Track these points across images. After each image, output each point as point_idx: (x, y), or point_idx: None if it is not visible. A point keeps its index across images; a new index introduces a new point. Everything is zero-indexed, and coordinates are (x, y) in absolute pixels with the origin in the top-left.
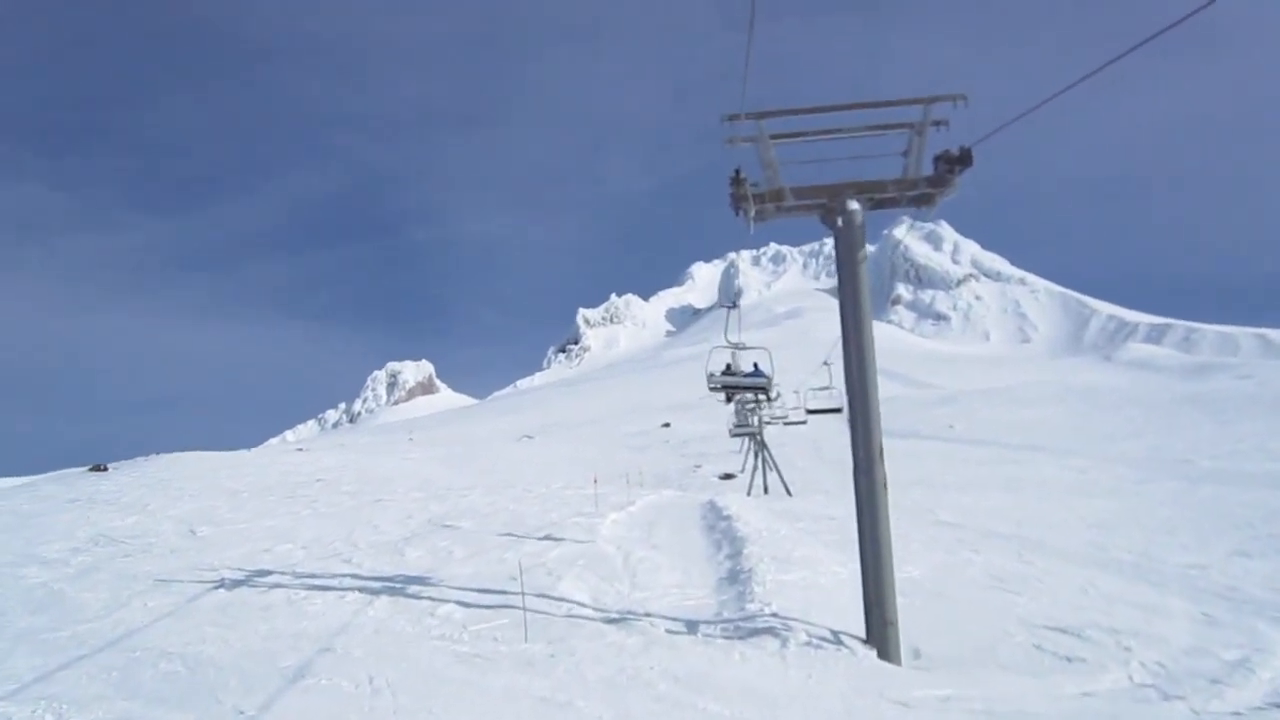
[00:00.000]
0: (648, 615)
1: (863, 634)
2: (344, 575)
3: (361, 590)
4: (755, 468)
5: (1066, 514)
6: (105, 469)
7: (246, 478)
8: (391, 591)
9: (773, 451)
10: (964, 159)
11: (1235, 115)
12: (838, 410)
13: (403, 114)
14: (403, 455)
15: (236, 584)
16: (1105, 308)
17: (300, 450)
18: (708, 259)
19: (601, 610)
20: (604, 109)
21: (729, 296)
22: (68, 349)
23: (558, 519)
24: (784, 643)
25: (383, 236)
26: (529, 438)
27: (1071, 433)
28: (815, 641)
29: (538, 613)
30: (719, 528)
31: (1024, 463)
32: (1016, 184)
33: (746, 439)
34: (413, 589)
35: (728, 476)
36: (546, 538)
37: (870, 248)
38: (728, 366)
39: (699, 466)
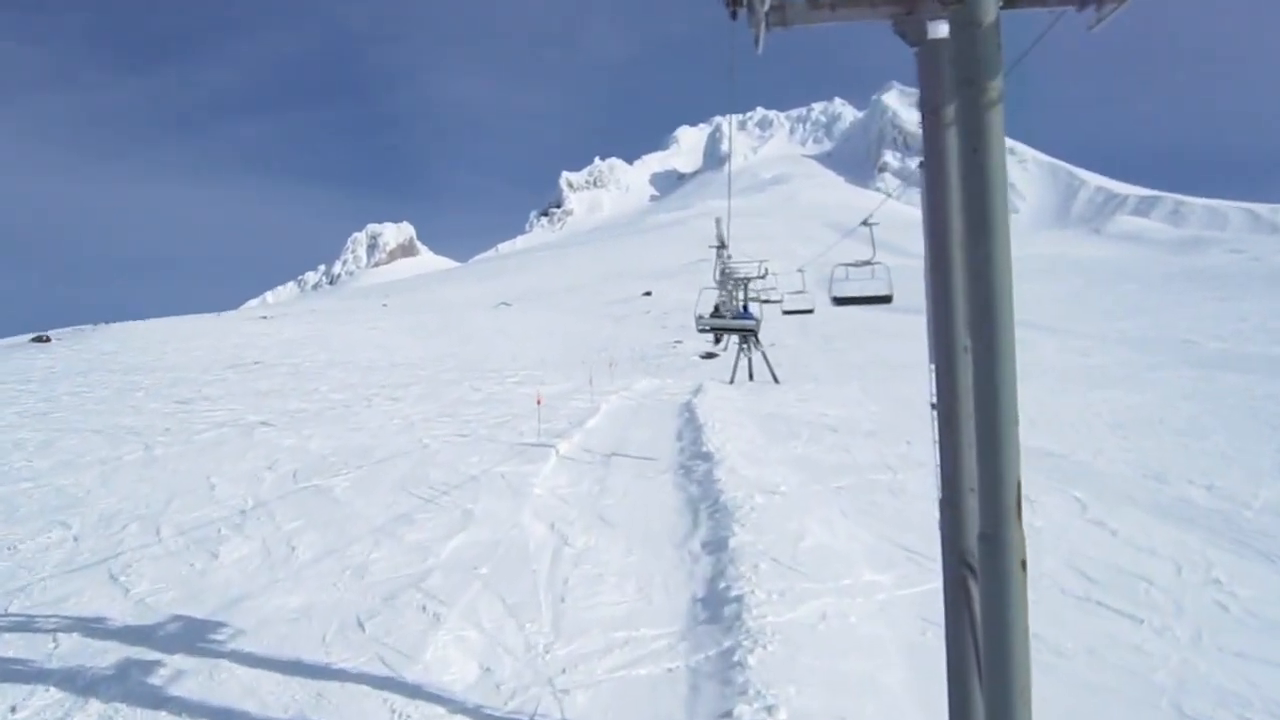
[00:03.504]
0: None
1: None
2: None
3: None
4: (740, 349)
5: (1084, 411)
6: (48, 339)
7: (191, 351)
8: (106, 681)
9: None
10: None
11: None
12: (810, 311)
13: None
14: (371, 324)
15: None
16: (1094, 179)
17: (265, 318)
18: (693, 123)
19: (487, 708)
20: None
21: (714, 161)
22: (43, 211)
23: (488, 455)
24: None
25: (363, 98)
26: (506, 305)
27: (1067, 310)
28: None
29: None
30: (697, 473)
31: (1023, 344)
32: (1007, 50)
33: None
34: (148, 665)
35: (709, 356)
36: (456, 509)
37: (858, 113)
38: (716, 308)
39: (679, 342)
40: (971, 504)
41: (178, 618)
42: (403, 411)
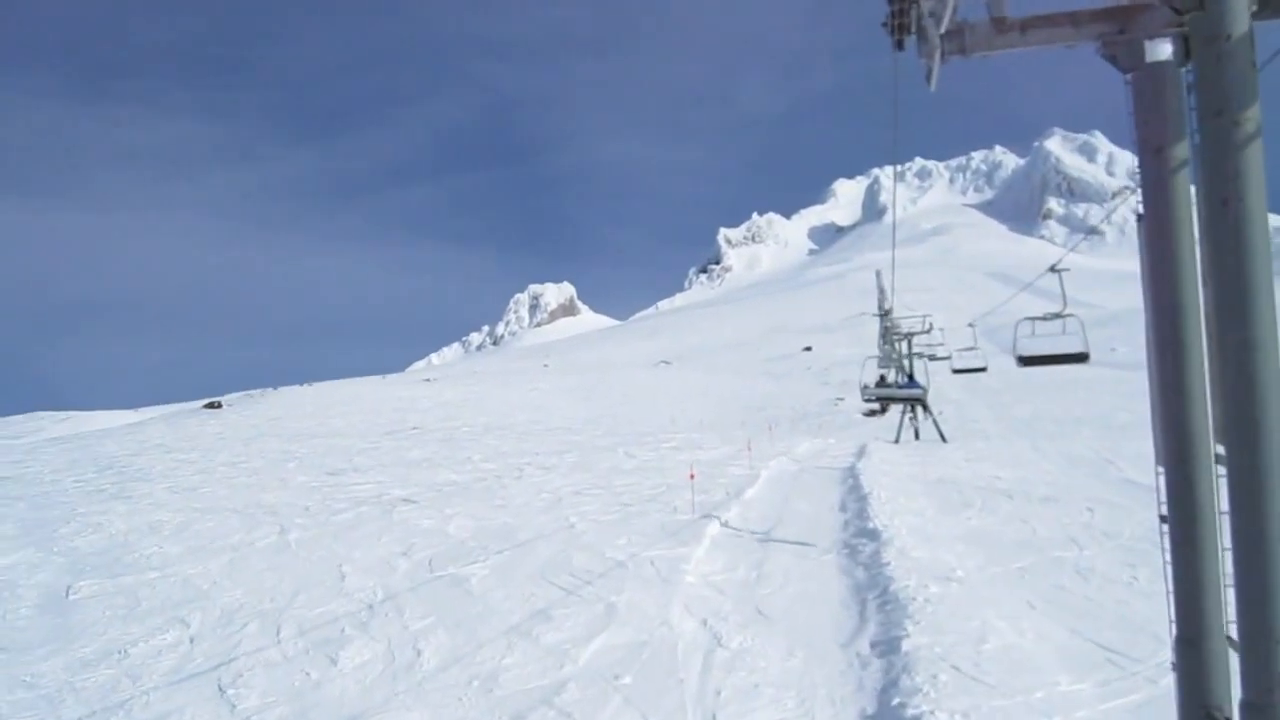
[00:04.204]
0: None
1: None
2: None
3: None
4: (904, 408)
5: None
6: (220, 405)
7: (352, 415)
8: None
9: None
10: None
11: None
12: (983, 369)
13: (538, 39)
14: (531, 385)
15: None
16: None
17: (428, 381)
18: (850, 175)
19: None
20: (738, 27)
21: (873, 213)
22: (223, 280)
23: (637, 536)
24: None
25: (521, 161)
26: (666, 363)
27: None
28: None
29: None
30: (863, 554)
31: None
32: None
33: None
34: None
35: (873, 413)
36: (599, 602)
37: (1019, 160)
38: (882, 378)
39: (841, 399)
40: (1219, 649)
41: None
42: (553, 484)
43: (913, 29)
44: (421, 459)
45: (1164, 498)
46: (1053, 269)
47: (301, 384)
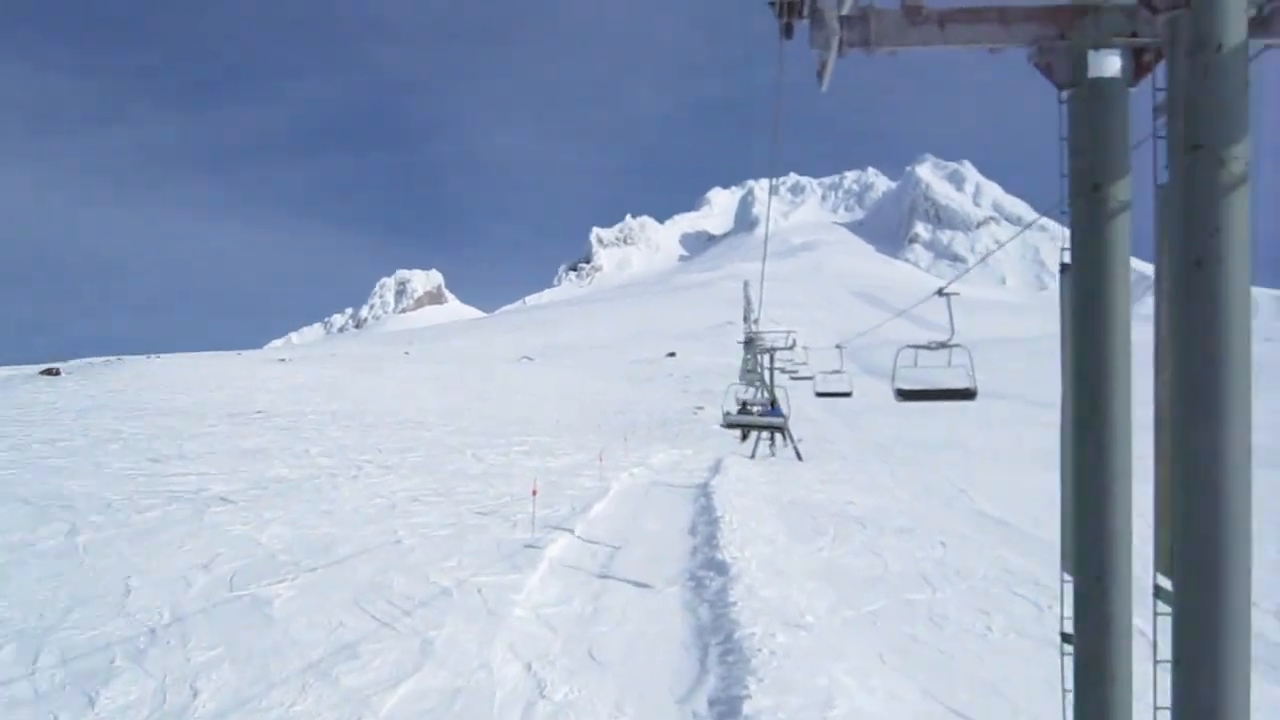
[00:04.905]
0: None
1: None
2: None
3: None
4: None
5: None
6: (58, 372)
7: (197, 393)
8: None
9: (777, 395)
10: None
11: None
12: (848, 394)
13: (429, 24)
14: (389, 373)
15: None
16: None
17: (283, 361)
18: (726, 185)
19: None
20: (630, 29)
21: (745, 224)
22: (82, 241)
23: (469, 557)
24: None
25: (400, 146)
26: (529, 359)
27: None
28: None
29: None
30: (709, 590)
31: (1054, 426)
32: (1046, 128)
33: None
34: None
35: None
36: (415, 638)
37: (891, 184)
38: (744, 405)
39: (701, 408)
40: None
41: None
42: (390, 487)
43: (805, 11)
44: (256, 449)
45: (1069, 611)
46: (940, 293)
47: (150, 355)
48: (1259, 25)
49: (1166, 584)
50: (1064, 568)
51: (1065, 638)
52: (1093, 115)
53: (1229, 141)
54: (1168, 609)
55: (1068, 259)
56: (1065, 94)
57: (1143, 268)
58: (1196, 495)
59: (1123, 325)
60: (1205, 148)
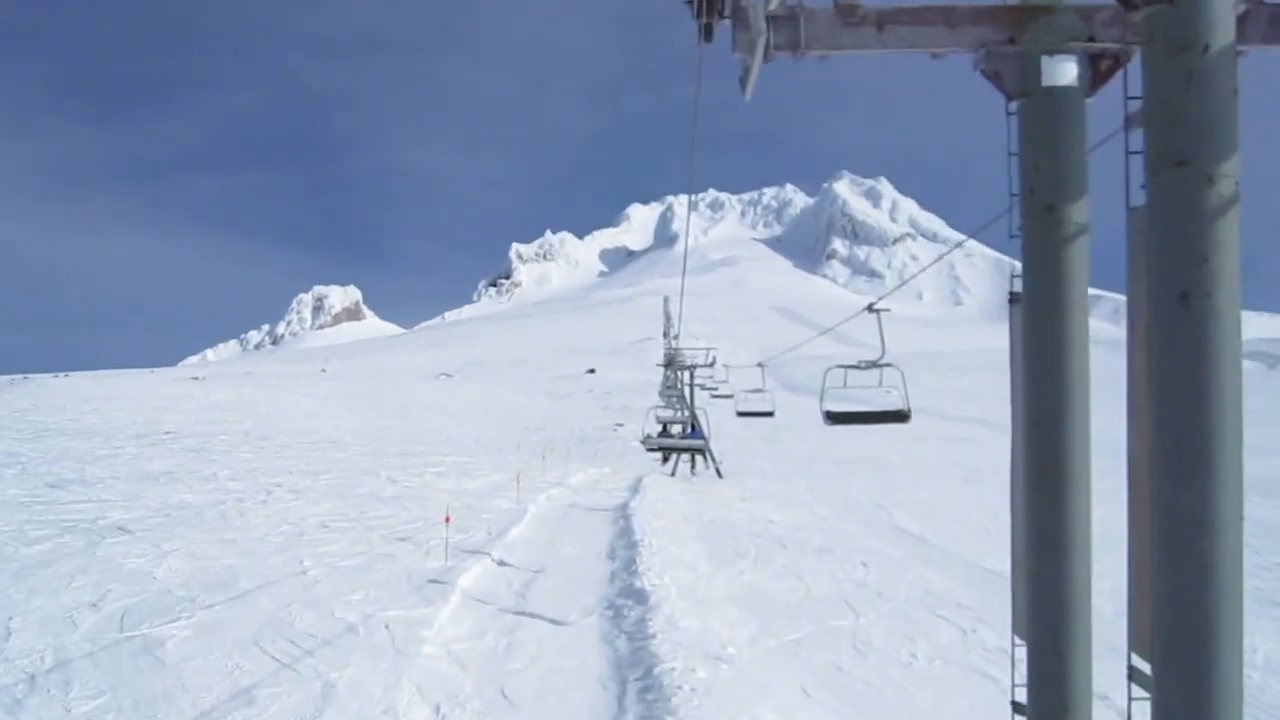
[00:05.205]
0: None
1: None
2: None
3: None
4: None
5: None
6: None
7: (107, 413)
8: None
9: (697, 415)
10: None
11: None
12: (770, 414)
13: (348, 38)
14: (305, 391)
15: None
16: None
17: (196, 379)
18: (645, 201)
19: None
20: (549, 45)
21: (664, 240)
22: None
23: (376, 590)
24: None
25: (318, 160)
26: (447, 376)
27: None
28: None
29: None
30: (628, 620)
31: (970, 441)
32: (952, 144)
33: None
34: None
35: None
36: (316, 680)
37: (809, 200)
38: (664, 427)
39: (620, 425)
40: None
41: None
42: (299, 513)
43: (727, 10)
44: (162, 472)
45: (1021, 678)
46: (871, 308)
47: (58, 374)
48: (1238, 26)
49: (1144, 666)
50: (1015, 631)
51: (1017, 707)
52: (1046, 127)
53: (1217, 157)
54: (1144, 694)
55: (1018, 288)
56: (1015, 104)
57: (1115, 298)
58: (1183, 570)
59: (1081, 364)
60: (1190, 164)
